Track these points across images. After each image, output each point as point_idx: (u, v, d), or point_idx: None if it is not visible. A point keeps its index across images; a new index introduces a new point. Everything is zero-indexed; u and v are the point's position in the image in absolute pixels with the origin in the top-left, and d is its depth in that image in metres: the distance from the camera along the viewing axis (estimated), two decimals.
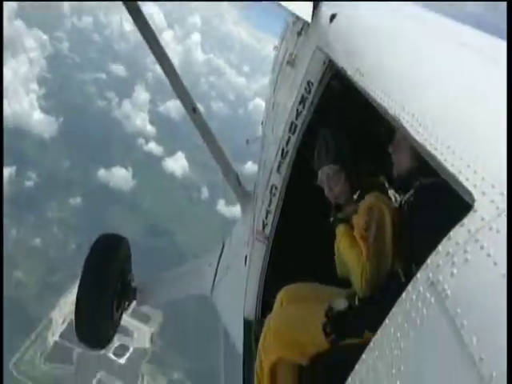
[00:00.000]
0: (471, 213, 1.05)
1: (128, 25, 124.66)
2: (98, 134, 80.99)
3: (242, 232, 4.49)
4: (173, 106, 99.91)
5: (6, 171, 63.26)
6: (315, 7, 3.24)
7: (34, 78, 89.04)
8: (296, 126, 3.07)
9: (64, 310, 49.87)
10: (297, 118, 3.04)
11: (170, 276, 5.92)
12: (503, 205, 0.99)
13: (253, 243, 3.68)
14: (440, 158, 1.22)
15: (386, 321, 1.21)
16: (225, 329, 4.97)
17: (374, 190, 2.63)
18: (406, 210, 2.37)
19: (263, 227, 3.49)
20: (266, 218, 3.46)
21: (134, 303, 5.27)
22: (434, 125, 1.34)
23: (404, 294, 1.16)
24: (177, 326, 53.93)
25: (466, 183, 1.10)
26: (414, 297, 1.11)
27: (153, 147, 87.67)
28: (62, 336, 48.29)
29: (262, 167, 4.30)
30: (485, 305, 0.91)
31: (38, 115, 78.30)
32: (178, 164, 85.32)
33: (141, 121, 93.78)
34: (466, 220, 1.06)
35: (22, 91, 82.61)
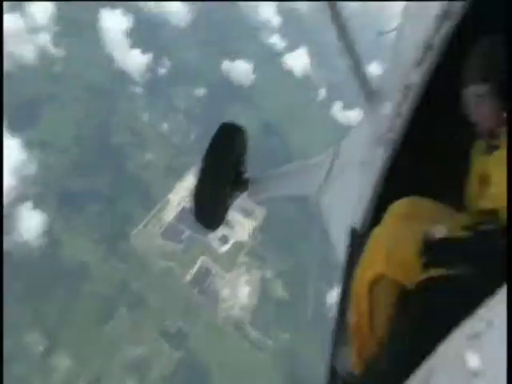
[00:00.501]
0: None
1: None
2: (225, 25, 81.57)
3: (362, 135, 4.00)
4: None
5: (145, 58, 68.99)
6: None
7: None
8: (447, 14, 2.50)
9: (180, 193, 55.66)
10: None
11: (281, 172, 5.77)
12: None
13: (374, 147, 3.33)
14: None
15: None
16: (323, 235, 4.84)
17: None
18: None
19: (389, 131, 3.13)
20: (394, 120, 3.06)
21: (245, 193, 5.34)
22: None
23: None
24: (278, 226, 57.63)
25: None
26: None
27: (276, 40, 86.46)
28: (175, 217, 54.57)
29: (395, 63, 3.80)
30: None
31: (177, 4, 79.61)
32: (298, 60, 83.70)
33: (267, 11, 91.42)
34: None
35: None
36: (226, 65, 75.81)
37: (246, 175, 5.18)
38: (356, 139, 4.46)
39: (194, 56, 75.19)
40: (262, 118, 69.25)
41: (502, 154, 2.21)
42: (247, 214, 56.24)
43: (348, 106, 69.14)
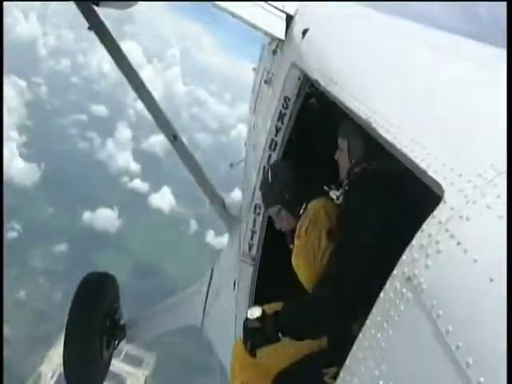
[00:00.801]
0: (441, 204, 1.07)
1: (106, 65, 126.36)
2: (81, 176, 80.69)
3: (229, 257, 4.46)
4: (156, 142, 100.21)
5: None
6: (288, 25, 3.37)
7: (13, 127, 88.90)
8: (276, 143, 3.12)
9: (53, 363, 48.57)
10: (276, 135, 3.10)
11: (160, 309, 5.82)
12: (471, 192, 1.00)
13: (240, 266, 3.66)
14: (410, 154, 1.26)
15: (367, 322, 1.22)
16: (219, 360, 4.81)
17: (314, 198, 2.73)
18: (343, 200, 2.57)
19: (249, 248, 3.48)
20: (252, 238, 3.45)
21: (124, 341, 5.23)
22: (403, 124, 1.41)
23: (382, 293, 1.18)
24: (171, 367, 52.50)
25: (435, 175, 1.13)
26: (392, 294, 1.12)
27: (138, 184, 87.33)
28: None
29: (245, 188, 4.34)
30: (458, 293, 0.92)
31: (19, 163, 77.75)
32: (164, 199, 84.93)
33: (124, 159, 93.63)
34: (436, 211, 1.08)
35: None
36: (87, 215, 72.86)
37: (122, 321, 5.08)
38: (225, 262, 4.80)
39: (48, 213, 71.25)
40: (134, 261, 66.10)
41: (297, 246, 2.63)
42: (137, 363, 50.84)
43: (220, 233, 69.94)
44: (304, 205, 2.75)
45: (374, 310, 1.20)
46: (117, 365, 44.46)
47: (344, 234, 2.33)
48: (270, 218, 3.26)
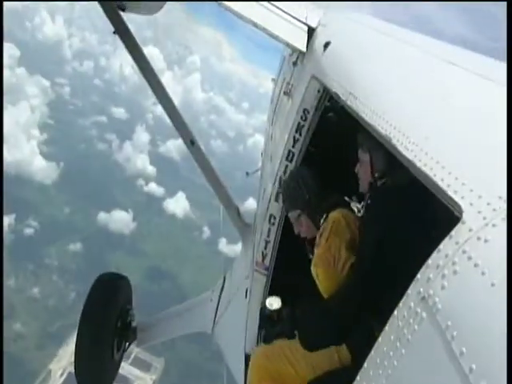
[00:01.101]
0: (459, 224, 1.07)
1: (128, 68, 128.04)
2: (98, 177, 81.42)
3: (242, 265, 4.45)
4: (173, 146, 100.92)
5: (6, 219, 63.09)
6: (309, 37, 3.36)
7: (35, 125, 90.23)
8: (293, 154, 3.13)
9: (63, 361, 48.58)
10: (294, 146, 3.11)
11: (171, 314, 5.81)
12: (490, 214, 1.00)
13: (253, 275, 3.66)
14: (430, 173, 1.25)
15: (379, 339, 1.21)
16: (228, 368, 4.83)
17: (336, 208, 2.75)
18: (364, 212, 2.62)
19: (263, 258, 3.48)
20: (266, 248, 3.45)
21: (134, 343, 5.23)
22: (423, 141, 1.39)
23: (396, 311, 1.17)
24: (179, 372, 52.40)
25: (454, 196, 1.13)
26: (406, 313, 1.12)
27: (154, 188, 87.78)
28: None
29: (261, 198, 4.38)
30: (473, 315, 0.91)
31: (39, 161, 78.72)
32: (179, 204, 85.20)
33: (141, 162, 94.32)
34: (453, 232, 1.07)
35: (23, 138, 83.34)
36: (102, 216, 73.27)
37: (134, 324, 5.08)
38: (238, 271, 4.79)
39: (65, 212, 72.06)
40: (148, 264, 66.25)
41: (317, 255, 2.68)
42: (145, 367, 50.32)
43: (232, 241, 69.95)
44: (325, 214, 2.77)
45: (387, 327, 1.19)
46: (126, 368, 44.29)
47: (360, 249, 2.37)
48: (284, 228, 3.32)
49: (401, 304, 1.16)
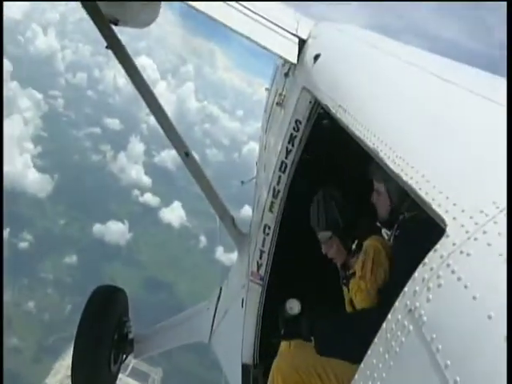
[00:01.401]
0: (443, 238, 1.11)
1: (121, 79, 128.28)
2: (93, 188, 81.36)
3: (238, 275, 4.47)
4: (167, 156, 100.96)
5: None
6: (300, 48, 3.39)
7: (28, 138, 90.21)
8: (286, 165, 3.16)
9: (59, 374, 48.17)
10: (287, 157, 3.14)
11: (168, 325, 5.81)
12: (472, 228, 1.04)
13: (248, 285, 3.69)
14: (415, 186, 1.30)
15: (369, 352, 1.25)
16: (225, 377, 4.84)
17: (370, 235, 2.74)
18: (394, 243, 2.63)
19: (258, 268, 3.52)
20: (261, 258, 3.49)
21: (131, 355, 5.27)
22: (409, 155, 1.44)
23: (384, 324, 1.21)
24: (177, 382, 52.30)
25: (438, 209, 1.16)
26: (394, 326, 1.16)
27: (149, 198, 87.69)
28: None
29: (255, 207, 4.43)
30: (457, 328, 0.95)
31: (33, 174, 78.73)
32: (174, 214, 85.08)
33: (136, 172, 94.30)
34: (438, 245, 1.11)
35: (16, 151, 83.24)
36: (98, 228, 73.01)
37: (131, 336, 5.08)
38: (233, 280, 4.76)
39: (60, 224, 71.83)
40: (144, 274, 66.04)
41: (355, 281, 2.67)
42: (143, 378, 49.89)
43: (229, 250, 69.90)
44: (356, 240, 2.80)
45: (377, 339, 1.22)
46: (123, 379, 43.98)
47: (392, 279, 2.41)
48: (278, 238, 3.36)
49: (389, 316, 1.19)
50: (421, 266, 1.13)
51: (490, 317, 0.87)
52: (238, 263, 4.77)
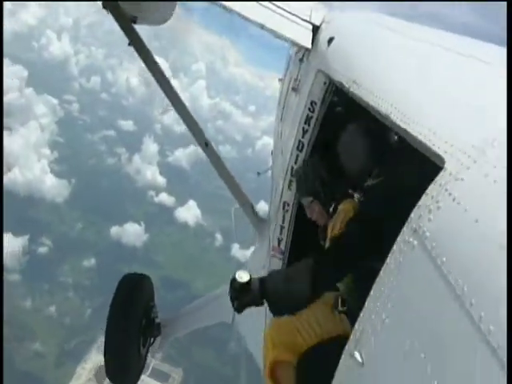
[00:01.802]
0: (441, 172, 1.31)
1: (134, 80, 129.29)
2: (109, 191, 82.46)
3: (258, 258, 4.68)
4: (182, 155, 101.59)
5: (20, 241, 64.26)
6: (314, 34, 3.60)
7: (45, 143, 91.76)
8: (303, 144, 3.39)
9: (82, 378, 49.27)
10: (303, 136, 3.37)
11: (191, 308, 6.06)
12: (466, 160, 1.23)
13: (270, 261, 3.88)
14: (421, 138, 1.53)
15: (381, 273, 1.45)
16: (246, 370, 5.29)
17: (344, 199, 3.01)
18: (359, 205, 2.88)
19: (278, 243, 3.74)
20: (281, 233, 3.71)
21: (159, 338, 5.43)
22: (416, 115, 1.68)
23: (394, 246, 1.41)
24: (197, 382, 52.94)
25: (437, 150, 1.39)
26: (402, 245, 1.36)
27: (164, 198, 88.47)
28: None
29: (273, 194, 4.64)
30: (458, 246, 1.12)
31: (50, 180, 80.00)
32: (190, 213, 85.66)
33: (151, 173, 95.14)
34: (437, 177, 1.31)
35: (33, 158, 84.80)
36: (115, 230, 74.28)
37: (157, 320, 5.25)
38: (254, 262, 5.02)
39: (77, 228, 73.16)
40: (161, 274, 66.82)
41: (327, 241, 3.02)
42: (164, 378, 50.83)
43: (245, 246, 70.10)
44: (333, 204, 3.06)
45: (388, 260, 1.44)
46: (145, 380, 44.58)
47: (343, 232, 2.63)
48: (297, 213, 3.57)
49: (398, 238, 1.40)
50: (423, 196, 1.35)
51: (484, 234, 1.03)
52: (258, 248, 5.10)
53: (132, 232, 74.98)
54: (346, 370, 1.64)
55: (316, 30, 3.64)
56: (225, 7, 3.36)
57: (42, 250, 66.99)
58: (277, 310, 2.62)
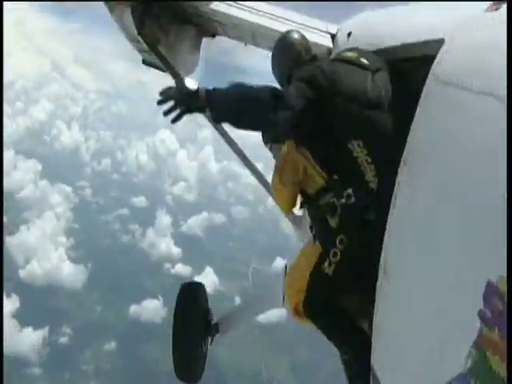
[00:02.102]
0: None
1: (143, 156, 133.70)
2: (125, 269, 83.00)
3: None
4: (195, 223, 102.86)
5: (40, 333, 64.69)
6: (333, 37, 4.12)
7: (61, 232, 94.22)
8: None
9: None
10: None
11: (241, 306, 6.97)
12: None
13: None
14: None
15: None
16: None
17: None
18: None
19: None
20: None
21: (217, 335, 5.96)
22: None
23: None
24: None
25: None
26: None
27: (180, 269, 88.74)
28: None
29: None
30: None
31: (68, 267, 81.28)
32: (207, 280, 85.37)
33: (165, 245, 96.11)
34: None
35: (51, 248, 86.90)
36: (134, 309, 74.47)
37: (214, 321, 5.87)
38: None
39: (96, 312, 73.33)
40: None
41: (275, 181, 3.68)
42: None
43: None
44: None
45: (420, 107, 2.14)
46: None
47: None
48: None
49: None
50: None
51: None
52: (298, 239, 5.63)
53: (151, 308, 74.79)
54: None
55: (333, 37, 4.10)
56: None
57: (63, 339, 67.09)
58: (218, 118, 2.88)
